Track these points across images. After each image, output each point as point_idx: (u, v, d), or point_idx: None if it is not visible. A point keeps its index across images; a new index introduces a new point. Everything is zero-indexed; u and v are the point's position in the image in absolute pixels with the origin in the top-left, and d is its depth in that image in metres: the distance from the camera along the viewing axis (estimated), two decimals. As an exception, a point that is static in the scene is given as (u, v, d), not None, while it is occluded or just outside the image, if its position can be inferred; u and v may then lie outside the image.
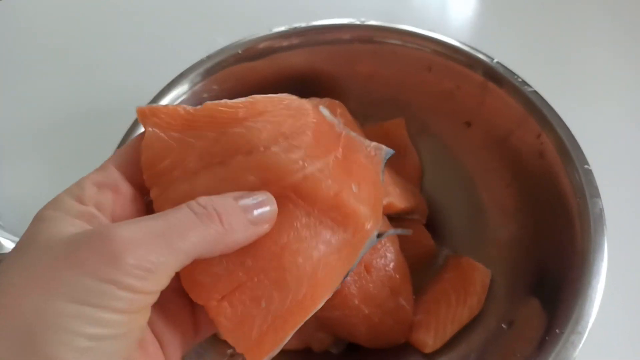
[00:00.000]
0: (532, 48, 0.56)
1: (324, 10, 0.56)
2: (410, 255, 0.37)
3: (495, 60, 0.37)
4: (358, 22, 0.40)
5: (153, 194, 0.23)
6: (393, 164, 0.40)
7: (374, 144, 0.28)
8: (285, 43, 0.39)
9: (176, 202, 0.21)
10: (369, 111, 0.43)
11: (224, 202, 0.21)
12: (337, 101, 0.41)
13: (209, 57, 0.38)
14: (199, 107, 0.24)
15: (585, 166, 0.32)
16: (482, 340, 0.34)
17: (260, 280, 0.22)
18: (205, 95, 0.39)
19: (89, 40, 0.58)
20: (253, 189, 0.22)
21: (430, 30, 0.39)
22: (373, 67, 0.41)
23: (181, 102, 0.37)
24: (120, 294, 0.17)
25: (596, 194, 0.31)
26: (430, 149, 0.43)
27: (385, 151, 0.28)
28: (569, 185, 0.32)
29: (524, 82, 0.36)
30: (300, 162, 0.23)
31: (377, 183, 0.27)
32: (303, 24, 0.39)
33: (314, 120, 0.24)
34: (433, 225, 0.40)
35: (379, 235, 0.25)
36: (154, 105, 0.24)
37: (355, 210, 0.24)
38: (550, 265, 0.32)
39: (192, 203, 0.20)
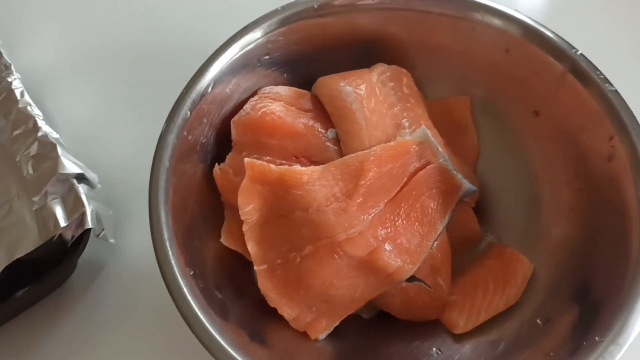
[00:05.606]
0: (618, 39, 0.52)
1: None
2: (453, 237, 0.38)
3: (578, 52, 0.35)
4: (440, -9, 0.38)
5: (243, 228, 0.33)
6: (451, 143, 0.40)
7: (458, 180, 0.35)
8: (362, 2, 0.38)
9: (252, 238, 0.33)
10: (435, 84, 0.42)
11: None
12: (404, 70, 0.40)
13: (283, 8, 0.37)
14: (275, 168, 0.32)
15: (656, 179, 0.31)
16: (514, 330, 0.34)
17: (310, 302, 0.33)
18: (270, 45, 0.38)
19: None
20: (306, 240, 0.32)
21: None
22: (447, 40, 0.39)
23: (251, 49, 0.37)
24: None
25: (662, 210, 0.30)
26: (490, 132, 0.41)
27: (464, 191, 0.35)
28: (633, 196, 0.31)
29: (606, 80, 0.34)
30: (345, 224, 0.31)
31: (430, 225, 0.34)
32: (383, -15, 0.38)
33: (371, 176, 0.32)
34: (481, 209, 0.40)
35: (409, 279, 0.34)
36: (253, 161, 0.32)
37: (385, 266, 0.32)
38: (598, 272, 0.32)
39: None
